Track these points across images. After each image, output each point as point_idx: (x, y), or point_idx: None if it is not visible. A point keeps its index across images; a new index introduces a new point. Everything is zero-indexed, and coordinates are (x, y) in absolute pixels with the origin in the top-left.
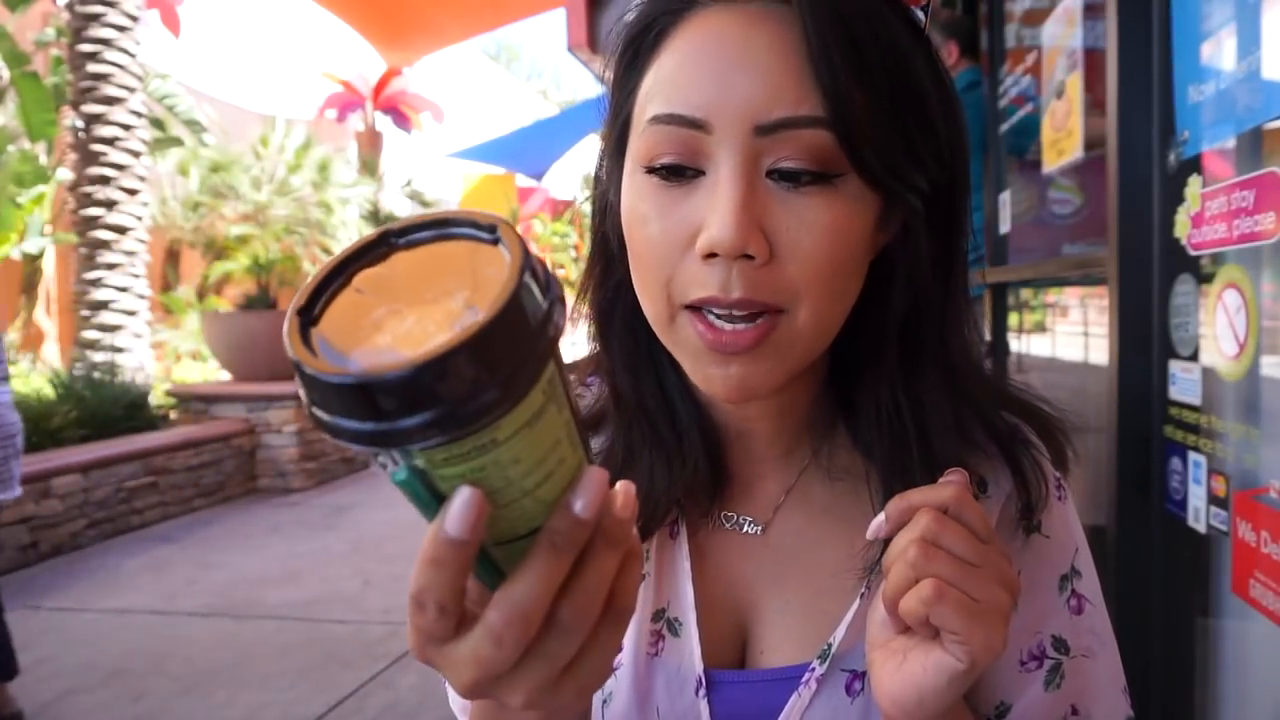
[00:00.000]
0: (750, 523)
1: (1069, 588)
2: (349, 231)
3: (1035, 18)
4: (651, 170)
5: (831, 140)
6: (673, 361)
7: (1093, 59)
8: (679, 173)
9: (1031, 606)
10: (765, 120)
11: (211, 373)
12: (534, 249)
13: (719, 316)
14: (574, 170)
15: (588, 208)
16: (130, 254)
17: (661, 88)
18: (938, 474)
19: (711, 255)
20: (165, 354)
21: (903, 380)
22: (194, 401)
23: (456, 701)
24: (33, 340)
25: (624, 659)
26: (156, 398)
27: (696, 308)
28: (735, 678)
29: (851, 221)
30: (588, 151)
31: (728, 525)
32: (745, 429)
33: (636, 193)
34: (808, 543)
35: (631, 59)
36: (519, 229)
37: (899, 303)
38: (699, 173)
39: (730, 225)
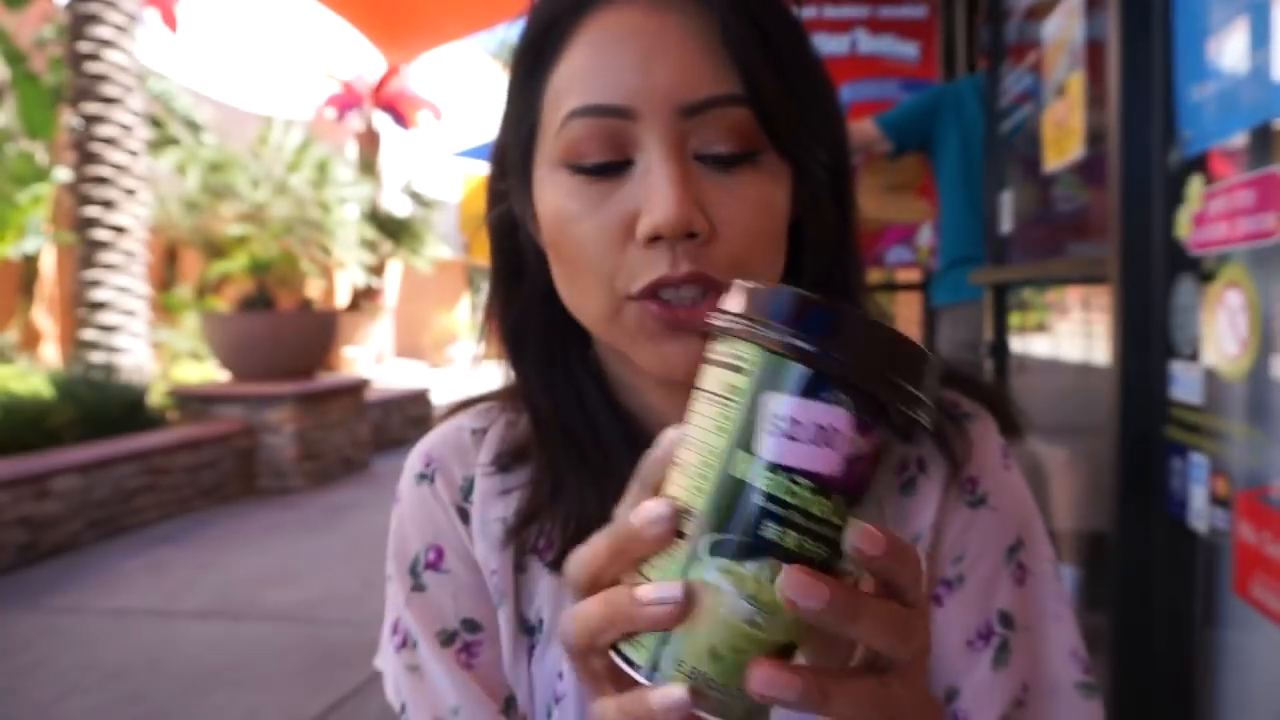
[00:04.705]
0: None
1: (1015, 559)
2: (347, 231)
3: (1038, 13)
4: (576, 168)
5: (750, 117)
6: (593, 376)
7: (1095, 55)
8: (607, 168)
9: (978, 583)
10: (690, 101)
11: (210, 373)
12: None
13: (671, 296)
14: None
15: None
16: (129, 254)
17: (577, 82)
18: None
19: (655, 239)
20: (164, 354)
21: None
22: (193, 401)
23: (391, 690)
24: (31, 340)
25: (568, 684)
26: (155, 398)
27: (646, 294)
28: None
29: (776, 195)
30: None
31: None
32: None
33: (561, 192)
34: None
35: (533, 63)
36: None
37: (809, 272)
38: (627, 163)
39: (673, 205)
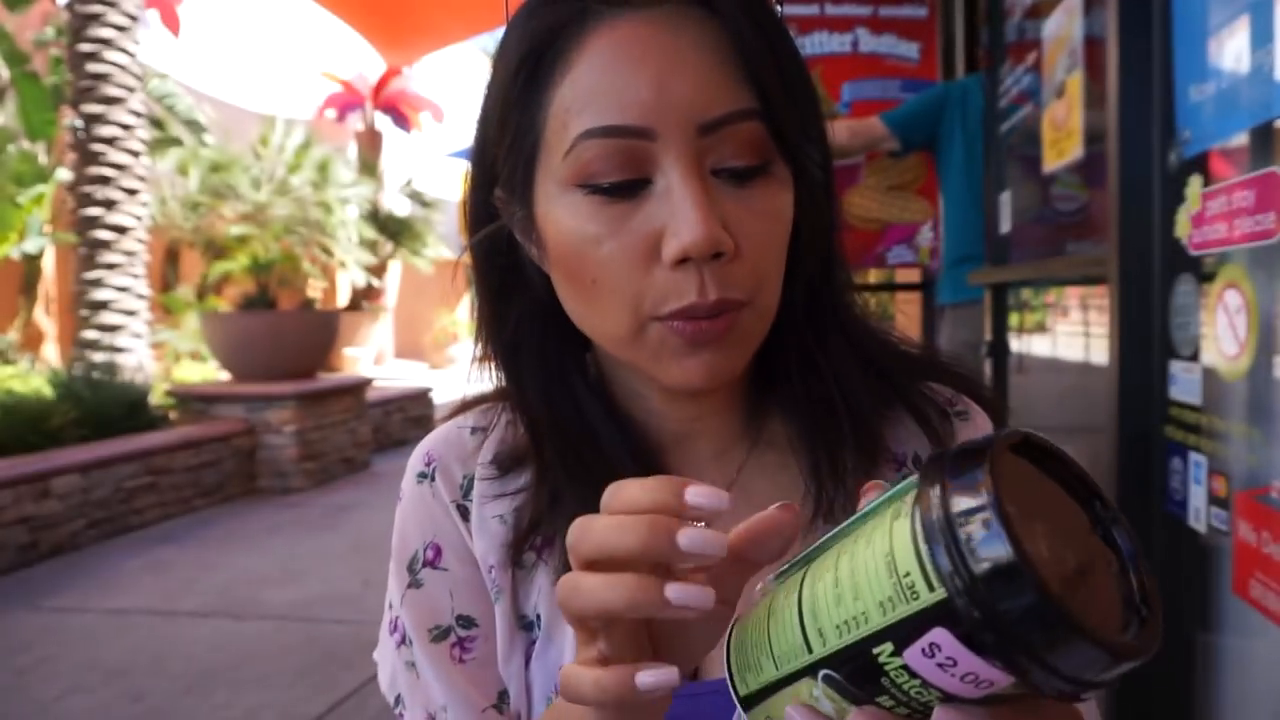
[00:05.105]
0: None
1: None
2: (348, 231)
3: (1038, 13)
4: (591, 188)
5: (762, 129)
6: (590, 385)
7: (1094, 54)
8: (624, 187)
9: None
10: (708, 119)
11: (211, 373)
12: None
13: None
14: None
15: None
16: (130, 254)
17: (589, 101)
18: (860, 430)
19: (683, 260)
20: (165, 354)
21: (813, 338)
22: (194, 401)
23: (385, 681)
24: (32, 340)
25: None
26: (156, 398)
27: (673, 317)
28: (680, 692)
29: (786, 203)
30: None
31: None
32: (686, 432)
33: (575, 213)
34: None
35: (531, 75)
36: None
37: (806, 268)
38: (644, 181)
39: (700, 228)
